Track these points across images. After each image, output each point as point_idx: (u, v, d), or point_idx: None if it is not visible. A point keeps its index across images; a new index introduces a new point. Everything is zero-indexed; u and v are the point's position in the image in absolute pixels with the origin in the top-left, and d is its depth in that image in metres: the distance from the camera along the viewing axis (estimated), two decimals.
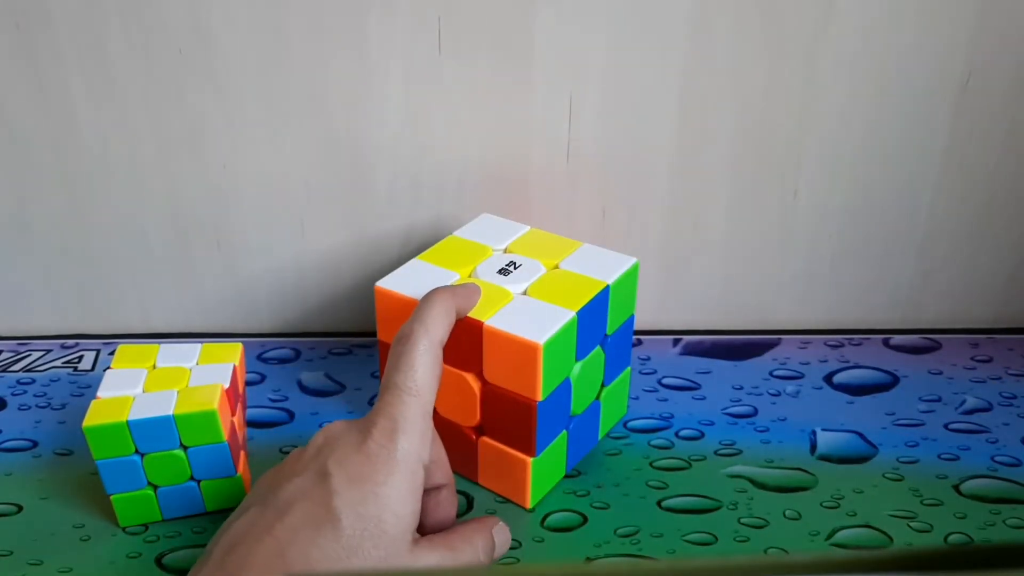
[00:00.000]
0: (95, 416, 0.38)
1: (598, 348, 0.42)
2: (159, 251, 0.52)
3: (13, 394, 0.49)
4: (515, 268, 0.42)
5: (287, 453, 0.45)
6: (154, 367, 0.42)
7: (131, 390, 0.40)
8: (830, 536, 0.40)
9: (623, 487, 0.43)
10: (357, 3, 0.45)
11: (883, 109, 0.48)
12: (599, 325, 0.41)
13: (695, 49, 0.46)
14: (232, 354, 0.43)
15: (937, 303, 0.54)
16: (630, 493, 0.42)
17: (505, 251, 0.44)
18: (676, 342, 0.53)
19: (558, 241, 0.45)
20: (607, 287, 0.41)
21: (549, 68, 0.47)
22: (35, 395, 0.49)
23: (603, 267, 0.42)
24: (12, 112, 0.47)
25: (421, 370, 0.35)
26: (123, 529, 0.41)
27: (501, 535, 0.38)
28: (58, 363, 0.52)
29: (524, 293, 0.41)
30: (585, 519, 0.41)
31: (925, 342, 0.53)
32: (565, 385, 0.40)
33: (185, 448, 0.39)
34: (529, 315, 0.39)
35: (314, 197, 0.50)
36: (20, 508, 0.42)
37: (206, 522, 0.41)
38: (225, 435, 0.39)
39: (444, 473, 0.37)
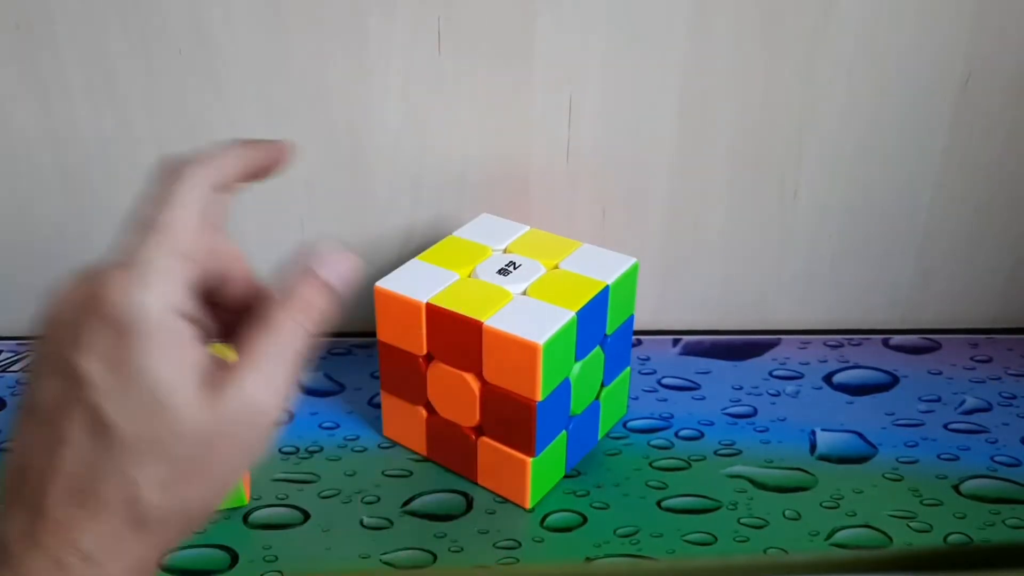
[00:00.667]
0: None
1: (598, 348, 0.42)
2: None
3: (13, 394, 0.49)
4: (515, 268, 0.42)
5: (287, 453, 0.45)
6: None
7: None
8: (830, 536, 0.40)
9: (623, 487, 0.43)
10: (357, 4, 0.45)
11: (883, 109, 0.48)
12: (599, 325, 0.41)
13: (695, 50, 0.46)
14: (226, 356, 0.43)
15: (937, 303, 0.54)
16: (630, 493, 0.42)
17: (505, 251, 0.44)
18: (676, 342, 0.53)
19: (558, 241, 0.45)
20: (607, 287, 0.41)
21: (549, 69, 0.47)
22: None
23: (603, 267, 0.42)
24: (12, 112, 0.47)
25: (179, 205, 0.29)
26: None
27: (329, 267, 0.31)
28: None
29: (524, 293, 0.41)
30: (585, 519, 0.41)
31: (925, 342, 0.53)
32: (565, 385, 0.40)
33: None
34: (529, 315, 0.39)
35: (314, 197, 0.50)
36: None
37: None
38: None
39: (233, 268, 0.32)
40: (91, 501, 0.25)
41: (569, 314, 0.39)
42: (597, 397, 0.43)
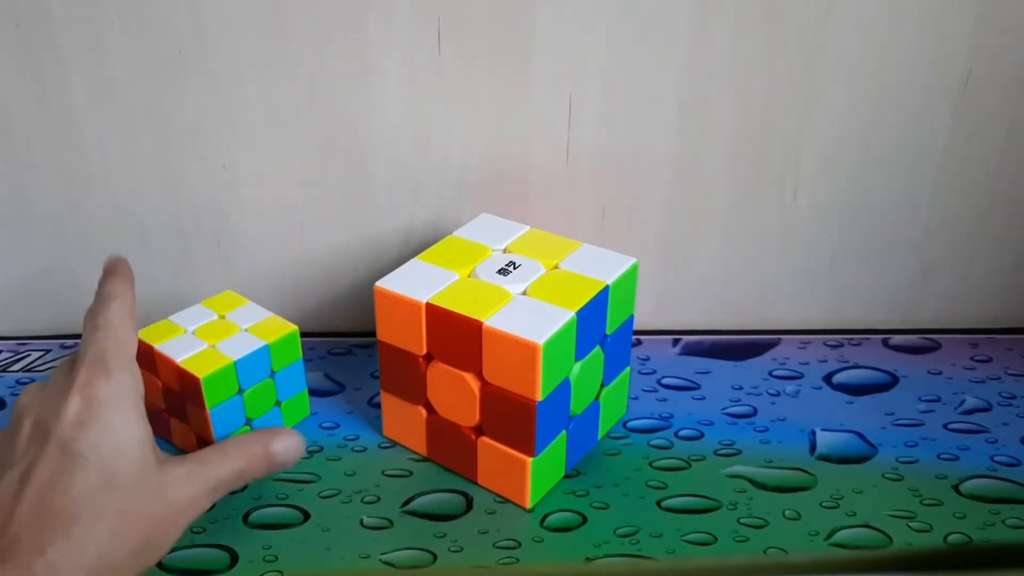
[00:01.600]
0: (202, 369, 0.41)
1: (597, 348, 0.42)
2: (158, 251, 0.52)
3: (13, 394, 0.49)
4: (514, 268, 0.42)
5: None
6: (189, 331, 0.45)
7: (200, 348, 0.43)
8: (829, 536, 0.40)
9: (622, 487, 0.43)
10: (357, 3, 0.45)
11: (883, 109, 0.48)
12: (599, 325, 0.41)
13: (695, 49, 0.46)
14: (236, 299, 0.47)
15: (936, 303, 0.54)
16: (629, 493, 0.42)
17: (504, 251, 0.44)
18: (676, 342, 0.53)
19: (558, 241, 0.45)
20: (606, 287, 0.41)
21: (549, 68, 0.47)
22: None
23: (603, 267, 0.42)
24: (12, 111, 0.47)
25: (114, 311, 0.38)
26: None
27: (283, 442, 0.39)
28: (57, 363, 0.52)
29: (523, 293, 0.41)
30: (585, 519, 0.41)
31: (924, 342, 0.53)
32: (564, 385, 0.40)
33: (273, 375, 0.44)
34: (529, 315, 0.39)
35: (313, 197, 0.50)
36: None
37: (206, 522, 0.41)
38: None
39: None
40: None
41: (569, 314, 0.39)
42: (597, 397, 0.43)
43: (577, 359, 0.40)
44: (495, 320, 0.38)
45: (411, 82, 0.47)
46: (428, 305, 0.40)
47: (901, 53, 0.47)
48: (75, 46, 0.46)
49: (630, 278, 0.43)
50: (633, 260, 0.43)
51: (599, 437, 0.45)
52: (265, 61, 0.46)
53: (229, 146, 0.49)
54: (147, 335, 0.44)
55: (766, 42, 0.46)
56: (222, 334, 0.44)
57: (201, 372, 0.41)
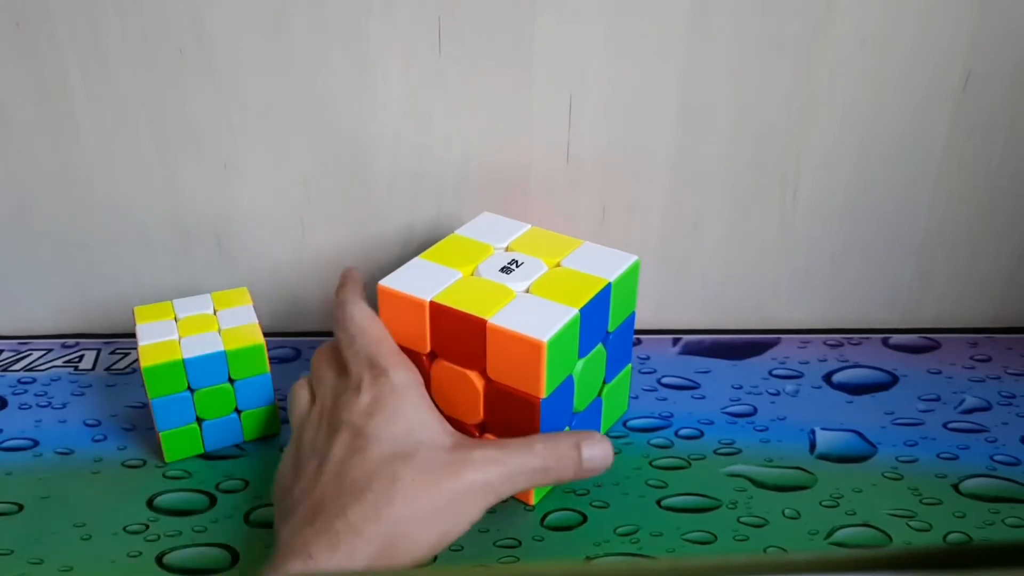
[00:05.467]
0: (150, 358, 0.42)
1: (600, 346, 0.42)
2: (160, 250, 0.52)
3: (14, 393, 0.49)
4: (517, 266, 0.42)
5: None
6: (176, 319, 0.45)
7: (171, 336, 0.44)
8: (829, 535, 0.40)
9: (623, 486, 0.43)
10: (357, 3, 0.45)
11: (883, 109, 0.48)
12: (601, 322, 0.42)
13: (695, 49, 0.46)
14: (243, 297, 0.47)
15: (936, 303, 0.54)
16: (630, 492, 0.42)
17: (507, 249, 0.44)
18: (676, 341, 0.53)
19: (559, 239, 0.45)
20: (609, 285, 0.41)
21: (549, 68, 0.47)
22: (36, 394, 0.49)
23: (604, 265, 0.42)
24: (12, 111, 0.47)
25: (358, 316, 0.41)
26: (167, 464, 0.44)
27: (594, 448, 0.38)
28: (59, 362, 0.52)
29: (527, 291, 0.41)
30: (585, 518, 0.41)
31: (924, 341, 0.53)
32: (568, 382, 0.40)
33: (232, 381, 0.44)
34: (532, 313, 0.39)
35: (314, 196, 0.50)
36: (21, 507, 0.42)
37: (206, 521, 0.41)
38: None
39: None
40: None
41: (572, 311, 0.39)
42: (599, 394, 0.43)
43: (580, 356, 0.41)
44: (499, 318, 0.38)
45: (412, 82, 0.47)
46: (432, 303, 0.40)
47: (901, 53, 0.47)
48: (75, 46, 0.46)
49: (632, 276, 0.43)
50: (634, 258, 0.43)
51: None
52: (266, 61, 0.46)
53: (230, 146, 0.49)
54: (141, 313, 0.45)
55: (766, 42, 0.46)
56: (199, 328, 0.44)
57: (146, 361, 0.42)
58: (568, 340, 0.39)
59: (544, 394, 0.38)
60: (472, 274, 0.42)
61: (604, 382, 0.44)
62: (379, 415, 0.37)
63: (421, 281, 0.41)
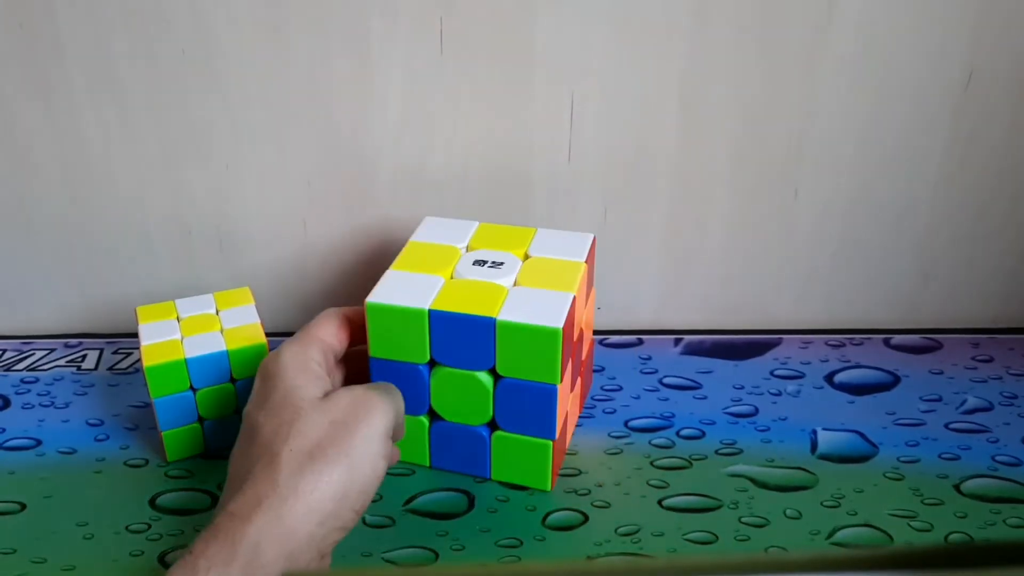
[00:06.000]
0: (152, 358, 0.42)
1: (475, 373, 0.40)
2: (162, 250, 0.52)
3: (17, 393, 0.49)
4: (493, 263, 0.43)
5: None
6: (179, 318, 0.45)
7: (173, 336, 0.44)
8: (830, 535, 0.40)
9: (624, 486, 0.43)
10: (359, 4, 0.45)
11: (883, 109, 0.48)
12: (472, 347, 0.40)
13: (696, 49, 0.46)
14: (245, 297, 0.47)
15: (938, 303, 0.54)
16: (631, 492, 0.42)
17: (468, 249, 0.45)
18: (677, 342, 0.53)
19: (512, 231, 0.46)
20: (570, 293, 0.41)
21: (550, 69, 0.47)
22: (38, 394, 0.49)
23: (569, 247, 0.44)
24: (15, 111, 0.48)
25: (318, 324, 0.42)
26: (169, 463, 0.43)
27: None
28: (61, 362, 0.52)
29: (515, 284, 0.41)
30: (586, 518, 0.41)
31: (926, 342, 0.53)
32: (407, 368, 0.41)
33: (234, 381, 0.44)
34: (533, 304, 0.40)
35: (316, 197, 0.50)
36: (23, 506, 0.42)
37: (208, 520, 0.41)
38: None
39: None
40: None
41: (570, 296, 0.40)
42: (478, 423, 0.42)
43: (433, 358, 0.41)
44: (506, 314, 0.39)
45: (413, 82, 0.47)
46: (432, 312, 0.39)
47: (902, 53, 0.47)
48: (79, 46, 0.46)
49: (549, 342, 0.39)
50: (591, 235, 0.44)
51: (490, 476, 0.43)
52: (268, 62, 0.47)
53: (232, 146, 0.49)
54: (144, 312, 0.46)
55: (767, 42, 0.46)
56: (202, 328, 0.44)
57: (149, 361, 0.42)
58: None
59: (560, 381, 0.39)
60: (452, 277, 0.42)
61: (493, 421, 0.41)
62: (263, 403, 0.37)
63: (408, 292, 0.40)
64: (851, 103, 0.48)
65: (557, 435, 0.41)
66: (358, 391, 0.37)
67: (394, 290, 0.41)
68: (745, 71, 0.47)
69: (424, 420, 0.43)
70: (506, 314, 0.39)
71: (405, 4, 0.45)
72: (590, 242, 0.44)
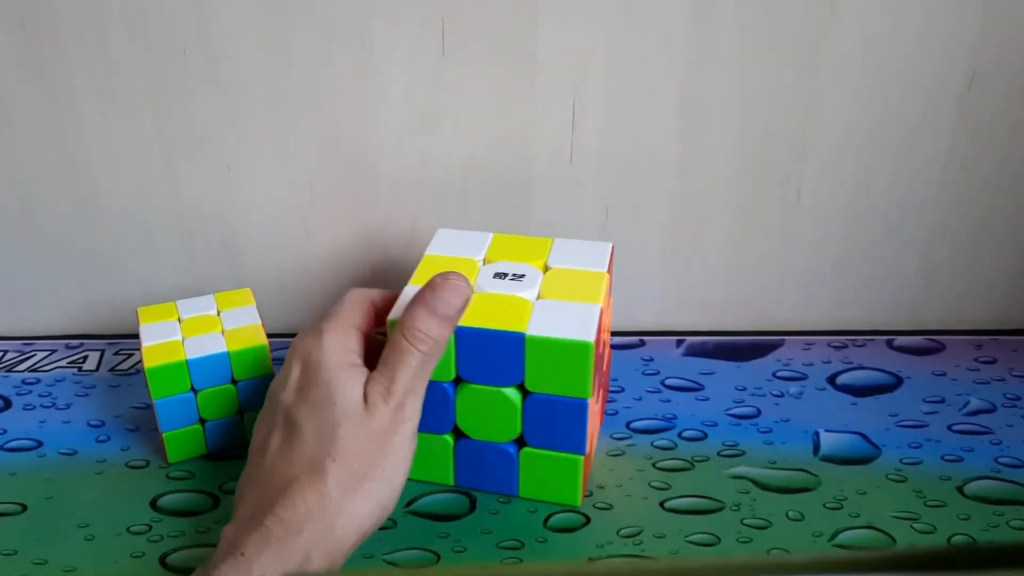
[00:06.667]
0: (154, 359, 0.42)
1: (504, 389, 0.40)
2: (164, 252, 0.52)
3: (18, 394, 0.49)
4: (514, 275, 0.42)
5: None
6: (180, 319, 0.45)
7: (174, 337, 0.44)
8: (833, 537, 0.40)
9: (626, 488, 0.43)
10: (361, 5, 0.45)
11: (886, 110, 0.48)
12: (499, 362, 0.39)
13: (698, 50, 0.46)
14: (246, 298, 0.47)
15: (940, 304, 0.54)
16: (633, 494, 0.42)
17: (485, 262, 0.43)
18: (679, 343, 0.53)
19: (529, 241, 0.45)
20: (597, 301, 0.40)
21: (552, 69, 0.47)
22: (40, 395, 0.49)
23: (589, 258, 0.43)
24: (17, 112, 0.48)
25: (346, 307, 0.41)
26: (170, 464, 0.43)
27: (438, 295, 0.38)
28: (63, 363, 0.52)
29: (539, 297, 0.41)
30: (588, 520, 0.41)
31: (929, 343, 0.53)
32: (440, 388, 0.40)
33: (236, 382, 0.44)
34: (561, 317, 0.39)
35: (318, 198, 0.50)
36: (24, 507, 0.42)
37: (209, 521, 0.41)
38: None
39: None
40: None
41: (597, 308, 0.39)
42: (506, 440, 0.42)
43: (460, 376, 0.40)
44: (535, 328, 0.38)
45: (415, 83, 0.47)
46: (459, 328, 0.39)
47: (904, 54, 0.47)
48: (80, 47, 0.46)
49: (580, 356, 0.39)
50: (609, 244, 0.44)
51: (518, 493, 0.42)
52: (270, 62, 0.47)
53: (234, 147, 0.49)
54: (145, 314, 0.46)
55: (769, 42, 0.46)
56: (203, 329, 0.44)
57: (150, 362, 0.42)
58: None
59: (590, 395, 0.38)
60: (473, 292, 0.41)
61: (522, 438, 0.41)
62: (304, 398, 0.37)
63: None
64: (854, 105, 0.48)
65: (588, 451, 0.40)
66: (394, 401, 0.37)
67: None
68: (747, 73, 0.47)
69: (449, 439, 0.41)
70: (535, 328, 0.38)
71: (407, 5, 0.45)
72: (609, 251, 0.44)
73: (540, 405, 0.39)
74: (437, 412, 0.40)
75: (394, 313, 0.39)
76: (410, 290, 0.41)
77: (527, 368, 0.39)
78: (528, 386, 0.39)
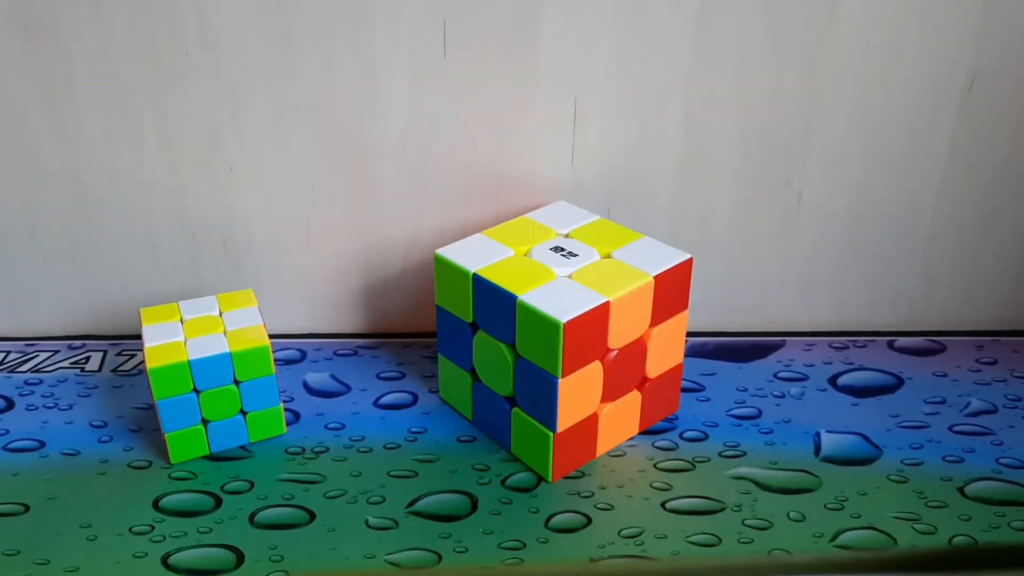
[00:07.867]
0: (156, 359, 0.42)
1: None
2: (166, 253, 0.52)
3: (20, 394, 0.49)
4: (569, 252, 0.43)
5: (292, 454, 0.45)
6: (182, 320, 0.45)
7: (176, 338, 0.44)
8: (834, 538, 0.40)
9: (627, 488, 0.43)
10: (363, 6, 0.45)
11: (887, 111, 0.48)
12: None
13: (700, 51, 0.46)
14: (248, 299, 0.47)
15: (942, 305, 0.54)
16: (634, 494, 0.42)
17: (568, 236, 0.46)
18: None
19: (621, 231, 0.46)
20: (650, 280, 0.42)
21: (554, 70, 0.47)
22: (42, 395, 0.49)
23: (652, 260, 0.43)
24: (19, 114, 0.48)
25: None
26: (173, 465, 0.44)
27: None
28: (65, 364, 0.52)
29: (569, 276, 0.42)
30: (589, 520, 0.41)
31: (930, 344, 0.53)
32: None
33: (238, 383, 0.44)
34: (562, 296, 0.40)
35: (320, 199, 0.50)
36: (27, 508, 0.42)
37: (212, 522, 0.41)
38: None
39: None
40: None
41: (602, 299, 0.40)
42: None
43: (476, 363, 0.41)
44: (529, 296, 0.40)
45: (417, 85, 0.47)
46: (475, 275, 0.42)
47: (906, 55, 0.47)
48: (82, 49, 0.46)
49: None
50: (686, 255, 0.44)
51: (509, 448, 0.45)
52: (272, 64, 0.47)
53: (236, 149, 0.49)
54: (147, 314, 0.46)
55: (771, 44, 0.46)
56: (205, 330, 0.45)
57: (152, 363, 0.42)
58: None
59: (559, 375, 0.40)
60: (526, 254, 0.44)
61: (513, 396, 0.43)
62: None
63: (473, 254, 0.43)
64: (855, 106, 0.48)
65: (559, 430, 0.41)
66: None
67: (465, 250, 0.44)
68: (748, 74, 0.47)
69: (468, 376, 0.45)
70: (530, 297, 0.40)
71: (409, 7, 0.45)
72: (676, 260, 0.43)
73: (524, 369, 0.41)
74: (462, 347, 0.45)
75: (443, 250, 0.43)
76: (477, 237, 0.45)
77: (518, 331, 0.41)
78: (518, 349, 0.41)
